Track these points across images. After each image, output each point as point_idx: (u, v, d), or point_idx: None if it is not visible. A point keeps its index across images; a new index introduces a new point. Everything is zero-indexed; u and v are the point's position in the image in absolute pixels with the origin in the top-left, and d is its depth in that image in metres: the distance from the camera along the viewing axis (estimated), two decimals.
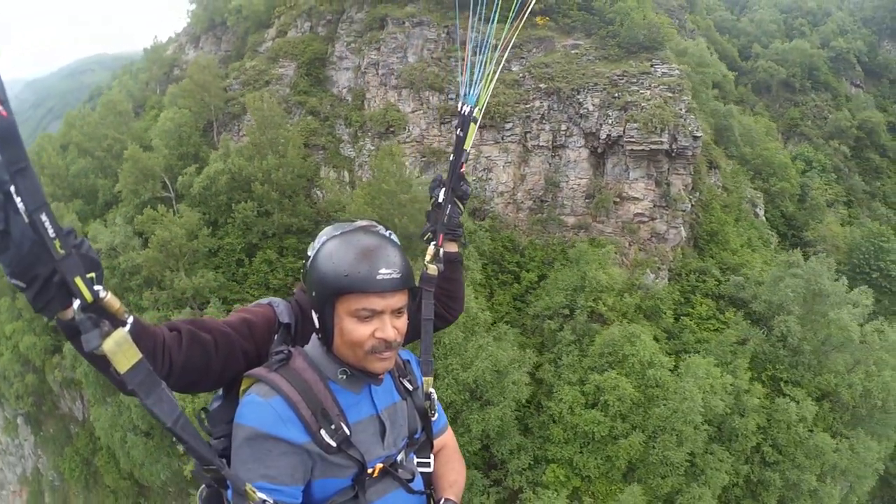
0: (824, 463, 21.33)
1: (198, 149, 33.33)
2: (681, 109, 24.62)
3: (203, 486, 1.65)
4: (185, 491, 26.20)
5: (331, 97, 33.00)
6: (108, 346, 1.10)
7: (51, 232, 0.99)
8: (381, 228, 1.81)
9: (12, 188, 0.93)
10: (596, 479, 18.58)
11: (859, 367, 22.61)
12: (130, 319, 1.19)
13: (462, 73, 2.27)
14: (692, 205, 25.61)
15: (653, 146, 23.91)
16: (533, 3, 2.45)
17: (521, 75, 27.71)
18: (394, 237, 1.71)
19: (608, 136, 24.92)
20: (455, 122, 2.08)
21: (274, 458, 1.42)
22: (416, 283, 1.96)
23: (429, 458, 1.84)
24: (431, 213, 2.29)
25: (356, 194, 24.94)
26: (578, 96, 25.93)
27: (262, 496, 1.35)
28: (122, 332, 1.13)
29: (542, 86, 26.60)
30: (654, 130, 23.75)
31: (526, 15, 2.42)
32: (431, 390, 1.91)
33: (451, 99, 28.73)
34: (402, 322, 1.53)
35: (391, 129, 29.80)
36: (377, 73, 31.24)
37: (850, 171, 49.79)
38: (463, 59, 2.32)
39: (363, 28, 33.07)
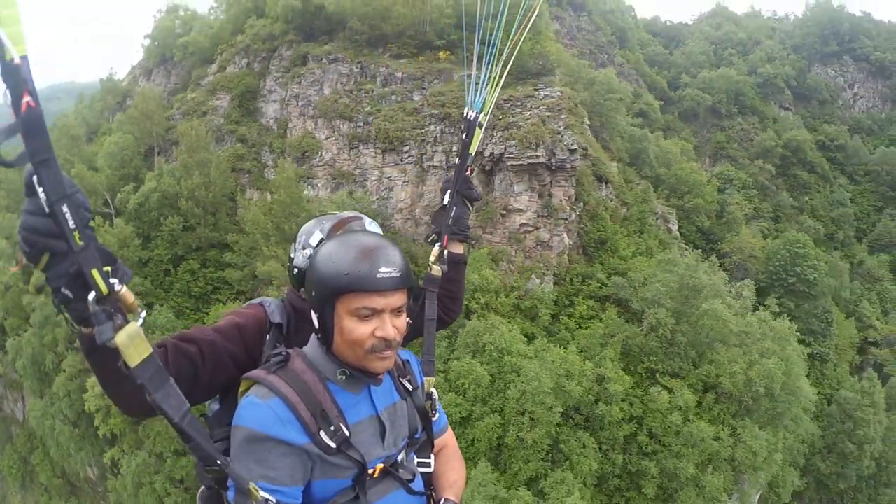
0: (703, 451, 22.17)
1: (138, 171, 35.56)
2: (559, 126, 26.63)
3: (203, 486, 1.68)
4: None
5: (259, 126, 35.18)
6: (121, 339, 1.10)
7: (71, 223, 0.99)
8: (366, 220, 1.89)
9: (35, 178, 0.95)
10: None
11: (741, 357, 23.66)
12: (143, 314, 1.17)
13: (468, 79, 2.29)
14: (577, 214, 27.32)
15: (530, 160, 25.79)
16: (535, 14, 2.42)
17: (420, 104, 29.89)
18: (375, 226, 1.83)
19: (492, 154, 26.85)
20: (462, 127, 2.30)
21: (273, 460, 1.41)
22: (420, 284, 2.03)
23: (429, 458, 1.84)
24: (437, 215, 2.31)
25: (254, 205, 26.73)
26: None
27: (265, 495, 1.35)
28: (135, 326, 1.12)
29: (434, 111, 28.72)
30: (529, 146, 25.68)
31: (531, 21, 2.40)
32: (433, 390, 1.89)
33: (360, 127, 30.83)
34: (402, 321, 1.53)
35: (307, 154, 31.84)
36: (297, 105, 33.50)
37: (777, 189, 51.88)
38: (469, 59, 2.32)
39: (289, 64, 35.54)
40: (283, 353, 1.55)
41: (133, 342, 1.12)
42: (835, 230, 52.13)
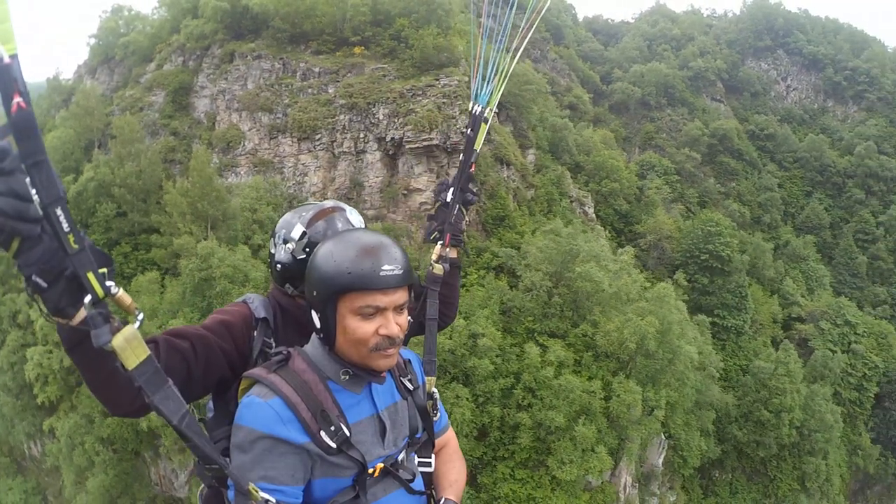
0: (573, 402, 24.11)
1: (79, 163, 37.18)
2: (454, 112, 28.78)
3: (203, 485, 1.72)
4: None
5: (190, 120, 36.96)
6: (118, 342, 1.08)
7: (65, 226, 0.97)
8: (347, 210, 1.94)
9: (28, 180, 0.92)
10: None
11: (616, 317, 25.66)
12: (140, 316, 1.15)
13: (473, 75, 2.26)
14: (478, 189, 29.44)
15: (426, 143, 27.91)
16: (543, 12, 2.38)
17: (333, 95, 31.90)
18: (357, 215, 1.89)
19: (393, 139, 28.92)
20: (467, 122, 2.37)
21: (274, 459, 1.41)
22: (420, 281, 2.05)
23: (430, 457, 1.83)
24: (438, 214, 2.30)
25: (170, 188, 28.54)
26: (373, 108, 30.07)
27: (265, 496, 1.35)
28: (133, 329, 1.11)
29: (343, 102, 30.76)
30: (424, 130, 27.80)
31: (538, 20, 2.37)
32: (434, 390, 1.90)
33: (279, 118, 32.76)
34: (404, 318, 1.52)
35: (231, 145, 33.69)
36: (224, 99, 35.36)
37: (704, 176, 54.54)
38: (475, 60, 2.28)
39: (219, 62, 37.39)
40: (284, 353, 1.54)
41: (130, 345, 1.10)
42: (761, 213, 54.87)
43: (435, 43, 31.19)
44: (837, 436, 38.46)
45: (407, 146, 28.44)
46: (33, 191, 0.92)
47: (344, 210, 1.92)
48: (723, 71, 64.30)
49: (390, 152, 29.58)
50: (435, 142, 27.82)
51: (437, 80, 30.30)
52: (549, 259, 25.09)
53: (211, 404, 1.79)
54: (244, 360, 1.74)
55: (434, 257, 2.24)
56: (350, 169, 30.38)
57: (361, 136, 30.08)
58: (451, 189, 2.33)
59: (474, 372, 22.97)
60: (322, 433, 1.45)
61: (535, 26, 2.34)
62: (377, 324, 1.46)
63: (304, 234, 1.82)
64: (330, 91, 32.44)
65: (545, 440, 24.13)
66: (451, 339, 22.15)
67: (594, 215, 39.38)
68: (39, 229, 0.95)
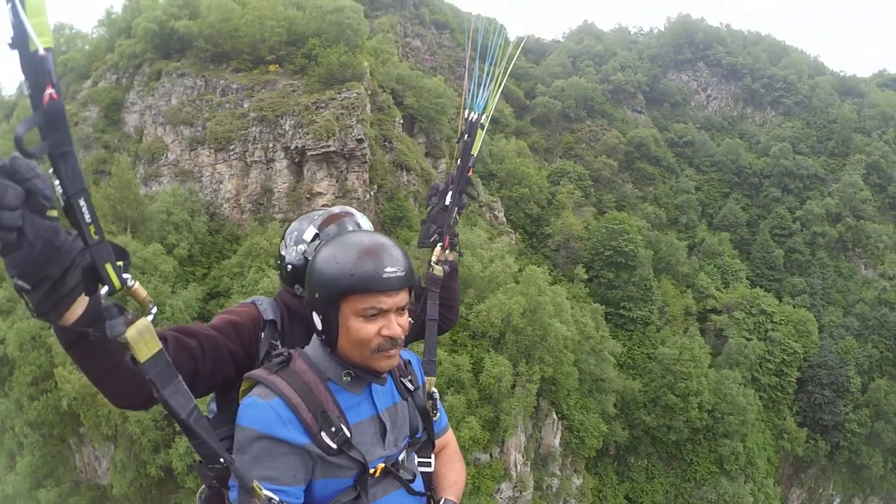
0: (441, 374, 26.87)
1: None
2: (352, 122, 32.11)
3: (203, 486, 1.76)
4: None
5: (121, 133, 39.62)
6: (132, 333, 1.10)
7: (87, 218, 0.99)
8: (357, 215, 2.00)
9: (50, 170, 0.93)
10: None
11: (486, 299, 28.63)
12: (154, 310, 1.17)
13: (469, 82, 2.39)
14: (373, 195, 32.72)
15: (324, 150, 31.13)
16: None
17: (247, 109, 35.01)
18: (366, 220, 1.94)
19: (297, 147, 32.10)
20: (463, 129, 2.40)
21: (275, 460, 1.44)
22: (421, 283, 2.14)
23: (430, 458, 1.88)
24: (436, 217, 2.39)
25: (93, 191, 31.19)
26: (280, 120, 33.24)
27: (269, 494, 1.38)
28: (146, 322, 1.14)
29: (254, 115, 33.88)
30: (322, 138, 31.03)
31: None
32: (434, 390, 1.94)
33: (198, 131, 35.65)
34: (405, 319, 1.56)
35: (155, 156, 36.46)
36: (151, 114, 38.14)
37: (623, 181, 58.75)
38: (469, 61, 2.43)
39: (148, 79, 40.23)
40: (285, 354, 1.57)
41: (143, 337, 1.12)
42: (678, 215, 59.06)
43: (340, 60, 34.56)
44: (753, 418, 40.39)
45: (309, 154, 31.62)
46: (57, 182, 0.94)
47: (353, 214, 1.99)
48: (643, 83, 69.07)
49: (296, 160, 32.70)
50: (332, 149, 31.06)
51: (339, 93, 33.63)
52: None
53: (213, 405, 1.85)
54: (251, 362, 1.78)
55: (434, 259, 2.30)
56: (261, 176, 33.39)
57: (270, 145, 33.18)
58: (451, 192, 2.39)
59: None
60: (323, 434, 1.48)
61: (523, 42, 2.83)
62: (379, 325, 1.50)
63: (316, 235, 1.88)
64: (245, 105, 35.52)
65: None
66: None
67: (504, 219, 42.92)
68: (15, 236, 0.92)
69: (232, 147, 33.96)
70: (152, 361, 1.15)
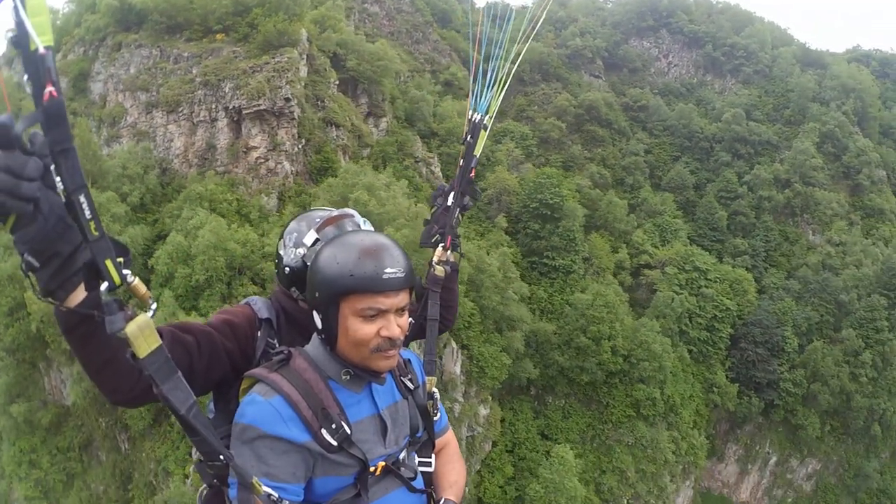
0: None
1: None
2: (282, 83, 37.29)
3: (203, 486, 1.82)
4: None
5: (87, 101, 45.13)
6: (131, 329, 1.14)
7: (87, 214, 1.02)
8: (357, 217, 2.07)
9: (53, 167, 0.97)
10: None
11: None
12: (154, 306, 1.21)
13: (472, 83, 2.49)
14: (301, 148, 38.04)
15: (256, 108, 36.41)
16: (540, 21, 2.64)
17: (195, 75, 40.29)
18: (368, 225, 2.00)
19: (235, 107, 37.39)
20: (466, 131, 2.47)
21: (275, 457, 1.49)
22: (423, 283, 2.22)
23: (430, 457, 1.95)
24: (438, 217, 2.51)
25: None
26: (222, 84, 38.51)
27: (268, 490, 1.44)
28: (146, 317, 1.17)
29: (199, 80, 39.18)
30: (255, 98, 36.29)
31: (535, 32, 2.57)
32: (434, 390, 2.02)
33: (153, 96, 40.99)
34: (405, 320, 1.62)
35: (116, 120, 41.97)
36: (113, 82, 43.58)
37: (572, 143, 63.40)
38: (475, 68, 2.51)
39: (110, 50, 45.59)
40: (285, 352, 1.63)
41: (143, 333, 1.16)
42: (625, 176, 63.73)
43: (277, 28, 39.65)
44: (670, 366, 43.31)
45: (244, 112, 36.91)
46: (58, 178, 0.97)
47: (353, 216, 2.07)
48: (602, 49, 73.14)
49: (235, 119, 37.99)
50: (264, 107, 36.30)
51: (273, 58, 38.75)
52: (338, 192, 33.60)
53: (212, 405, 1.93)
54: (248, 361, 1.85)
55: (435, 259, 2.41)
56: (206, 134, 38.80)
57: (213, 106, 38.49)
58: (452, 193, 2.52)
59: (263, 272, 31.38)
60: (323, 431, 1.54)
61: (531, 38, 2.71)
62: (379, 325, 1.56)
63: (316, 240, 1.95)
64: (193, 72, 40.76)
65: None
66: (243, 246, 30.57)
67: (440, 174, 48.04)
68: (32, 208, 0.95)
69: (181, 109, 39.32)
70: (152, 357, 1.18)
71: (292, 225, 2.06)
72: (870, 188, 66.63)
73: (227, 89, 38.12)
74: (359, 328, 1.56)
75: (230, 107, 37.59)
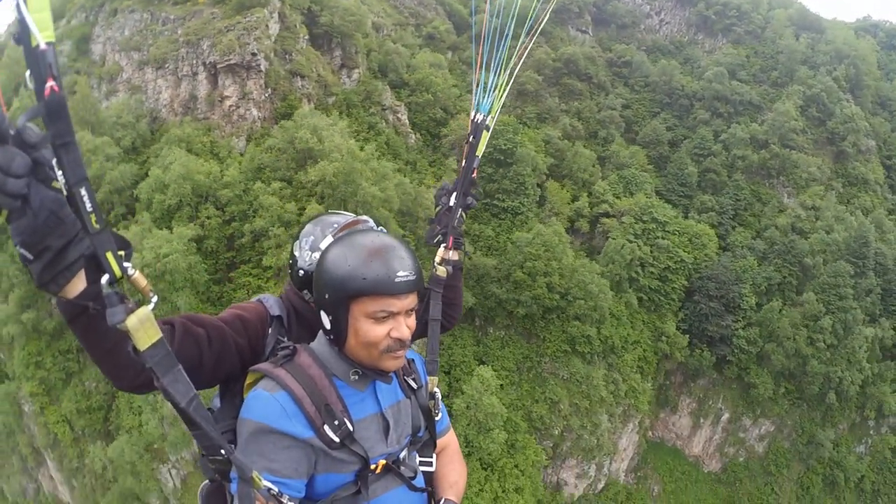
0: (271, 215, 39.06)
1: (10, 99, 53.65)
2: (250, 40, 44.33)
3: (205, 481, 1.89)
4: None
5: (89, 61, 53.21)
6: (132, 322, 1.19)
7: (88, 206, 1.08)
8: (371, 224, 2.17)
9: (54, 161, 1.02)
10: None
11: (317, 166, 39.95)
12: (154, 299, 1.26)
13: (475, 84, 2.64)
14: (268, 97, 45.16)
15: (227, 62, 43.61)
16: (545, 19, 2.73)
17: (179, 35, 47.69)
18: (378, 226, 2.07)
19: (211, 62, 44.69)
20: (469, 130, 2.62)
21: (278, 452, 1.59)
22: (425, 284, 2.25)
23: (431, 457, 2.06)
24: (441, 217, 2.65)
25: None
26: (202, 42, 45.80)
27: (268, 484, 1.51)
28: (146, 310, 1.23)
29: (183, 39, 46.58)
30: (227, 53, 43.48)
31: (538, 31, 2.66)
32: (436, 390, 2.12)
33: (144, 55, 48.58)
34: (413, 321, 1.73)
35: (113, 77, 49.91)
36: (110, 44, 51.47)
37: (549, 95, 68.63)
38: (477, 65, 2.65)
39: (108, 16, 53.47)
40: (291, 348, 1.74)
41: (143, 326, 1.21)
42: (598, 129, 68.72)
43: None
44: (606, 307, 46.19)
45: (218, 66, 44.19)
46: (60, 172, 1.02)
47: (368, 221, 2.19)
48: (590, 4, 77.45)
49: (212, 72, 45.32)
50: (234, 61, 43.46)
51: (245, 17, 45.79)
52: (290, 132, 40.29)
53: (217, 399, 2.02)
54: (257, 357, 1.96)
55: (438, 259, 2.55)
56: (189, 87, 46.29)
57: (194, 62, 45.85)
58: (454, 193, 2.64)
59: (219, 199, 38.48)
60: (326, 427, 1.63)
61: (534, 38, 2.80)
62: (389, 327, 1.66)
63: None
64: (178, 32, 48.22)
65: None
66: (208, 177, 38.06)
67: (407, 121, 54.58)
68: (20, 204, 1.00)
69: (167, 65, 46.85)
70: (152, 350, 1.24)
71: (308, 228, 2.19)
72: (855, 156, 68.49)
73: (205, 47, 45.40)
74: (370, 330, 1.66)
75: (207, 62, 44.89)
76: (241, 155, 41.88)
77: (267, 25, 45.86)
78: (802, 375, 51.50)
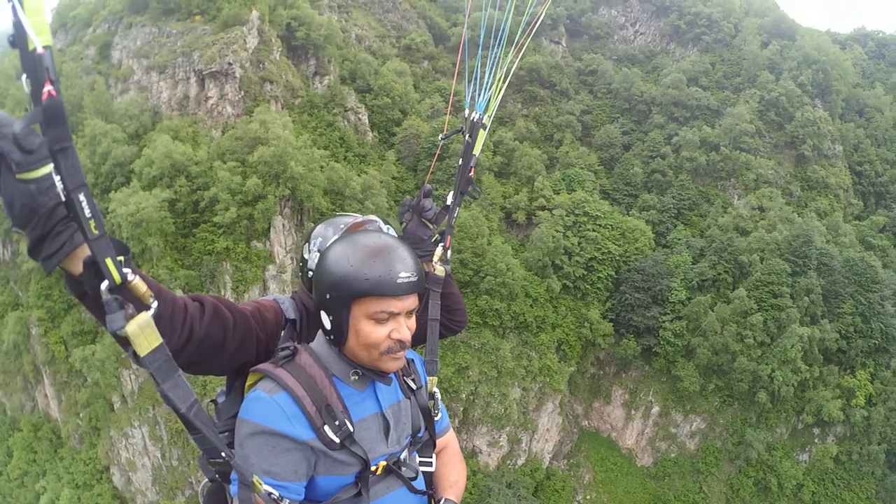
0: (225, 188, 55.62)
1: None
2: (228, 52, 60.87)
3: (205, 481, 2.04)
4: None
5: (108, 64, 71.11)
6: (131, 328, 1.29)
7: (87, 212, 1.15)
8: (380, 222, 2.34)
9: (51, 165, 1.09)
10: None
11: (266, 147, 56.73)
12: (155, 304, 1.36)
13: (471, 83, 2.86)
14: (241, 96, 61.50)
15: (210, 70, 60.24)
16: (540, 19, 2.99)
17: (178, 46, 64.79)
18: (392, 231, 2.24)
19: (199, 69, 61.49)
20: (464, 128, 2.82)
21: (277, 455, 1.69)
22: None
23: (431, 457, 2.19)
24: (437, 217, 2.84)
25: (89, 96, 62.50)
26: (194, 52, 62.70)
27: (269, 488, 1.62)
28: (146, 316, 1.32)
29: (180, 50, 63.64)
30: (209, 63, 60.13)
31: (534, 31, 2.86)
32: (435, 390, 2.26)
33: (151, 60, 65.84)
34: (414, 322, 1.85)
35: (126, 77, 67.49)
36: (125, 51, 69.23)
37: (512, 102, 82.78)
38: (473, 68, 2.84)
39: (125, 28, 71.35)
40: (291, 348, 1.86)
41: (143, 332, 1.30)
42: (554, 132, 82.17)
43: (231, 12, 63.43)
44: (515, 285, 53.76)
45: (204, 73, 60.92)
46: (58, 177, 1.10)
47: (376, 222, 2.37)
48: (563, 17, 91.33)
49: (200, 78, 62.12)
50: (215, 69, 60.09)
51: (227, 34, 62.48)
52: (247, 124, 56.15)
53: (221, 395, 2.18)
54: (268, 355, 2.08)
55: (435, 259, 2.69)
56: (183, 88, 63.20)
57: (187, 69, 62.78)
58: (452, 192, 2.86)
59: (199, 177, 55.04)
60: (326, 427, 1.74)
61: (530, 37, 3.06)
62: (390, 328, 1.78)
63: None
64: (178, 44, 65.37)
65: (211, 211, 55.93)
66: (192, 160, 54.47)
67: (367, 121, 70.23)
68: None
69: (167, 71, 63.92)
70: (152, 355, 1.33)
71: (318, 229, 2.36)
72: (817, 160, 75.43)
73: (195, 57, 62.23)
74: (371, 331, 1.78)
75: (196, 69, 61.69)
76: (211, 141, 58.38)
77: (245, 40, 62.42)
78: (731, 372, 54.82)
